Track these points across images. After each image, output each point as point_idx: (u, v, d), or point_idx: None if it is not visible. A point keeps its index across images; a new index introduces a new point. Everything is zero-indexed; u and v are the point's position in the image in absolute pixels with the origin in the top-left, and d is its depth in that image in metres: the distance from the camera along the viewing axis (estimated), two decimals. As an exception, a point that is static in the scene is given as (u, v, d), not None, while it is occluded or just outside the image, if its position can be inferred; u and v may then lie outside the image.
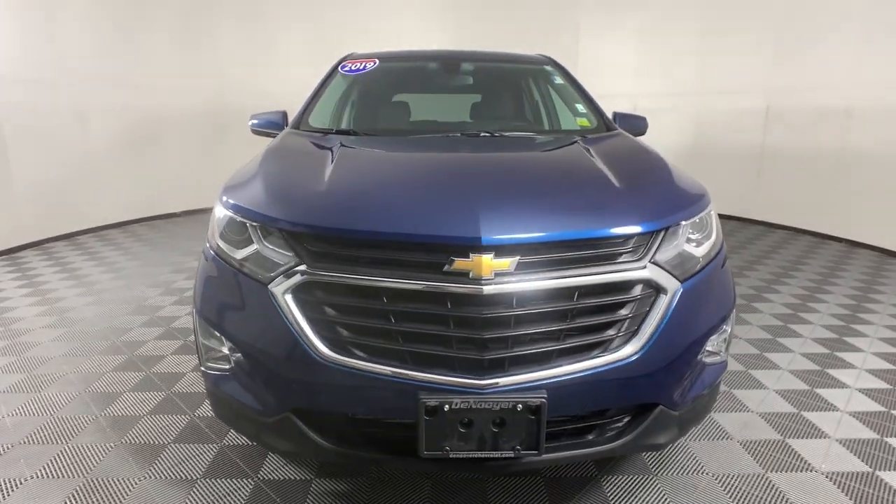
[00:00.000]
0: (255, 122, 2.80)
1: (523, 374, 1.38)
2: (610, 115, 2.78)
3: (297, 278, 1.43)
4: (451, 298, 1.38)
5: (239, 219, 1.61)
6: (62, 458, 2.05)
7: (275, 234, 1.52)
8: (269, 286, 1.45)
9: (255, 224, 1.57)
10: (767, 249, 5.35)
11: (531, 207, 1.54)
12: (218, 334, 1.60)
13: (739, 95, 6.59)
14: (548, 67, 3.16)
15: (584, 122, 2.67)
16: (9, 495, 1.85)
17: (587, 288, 1.43)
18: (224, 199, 1.72)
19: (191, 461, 2.04)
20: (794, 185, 6.15)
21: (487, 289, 1.35)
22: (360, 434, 1.53)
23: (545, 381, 1.38)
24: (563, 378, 1.39)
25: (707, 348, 1.62)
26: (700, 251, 1.61)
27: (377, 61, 3.06)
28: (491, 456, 1.39)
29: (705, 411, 1.75)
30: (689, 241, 1.60)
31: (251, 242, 1.55)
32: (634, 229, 1.48)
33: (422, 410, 1.34)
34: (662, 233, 1.53)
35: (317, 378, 1.43)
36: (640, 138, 2.47)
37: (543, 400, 1.34)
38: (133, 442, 2.15)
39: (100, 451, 2.09)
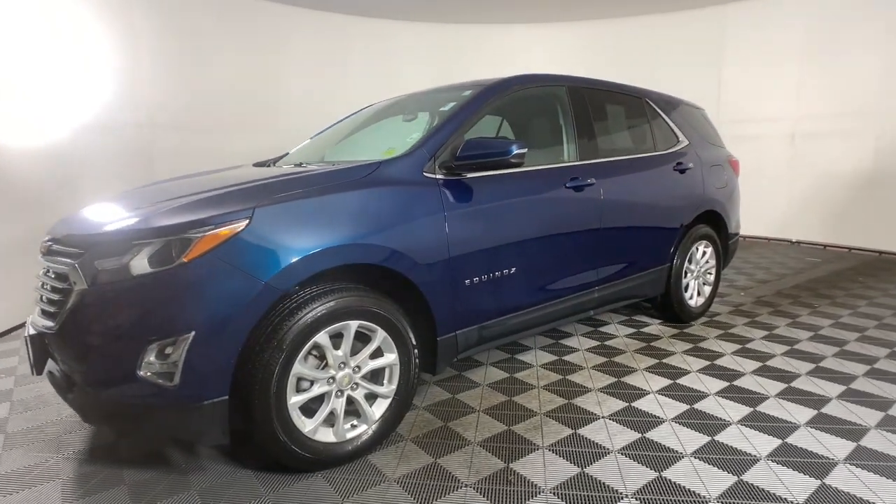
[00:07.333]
0: None
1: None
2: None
3: None
4: None
5: None
6: None
7: None
8: None
9: None
10: None
11: (118, 210, 2.14)
12: None
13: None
14: (466, 93, 2.72)
15: (389, 152, 2.40)
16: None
17: (56, 273, 2.01)
18: None
19: None
20: None
21: (44, 260, 2.11)
22: None
23: (40, 327, 2.02)
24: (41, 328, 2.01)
25: (147, 362, 1.78)
26: (139, 266, 1.81)
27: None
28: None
29: (120, 417, 1.93)
30: (154, 258, 1.81)
31: None
32: (82, 239, 1.96)
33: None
34: (104, 246, 1.88)
35: None
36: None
37: (32, 334, 2.02)
38: None
39: None
